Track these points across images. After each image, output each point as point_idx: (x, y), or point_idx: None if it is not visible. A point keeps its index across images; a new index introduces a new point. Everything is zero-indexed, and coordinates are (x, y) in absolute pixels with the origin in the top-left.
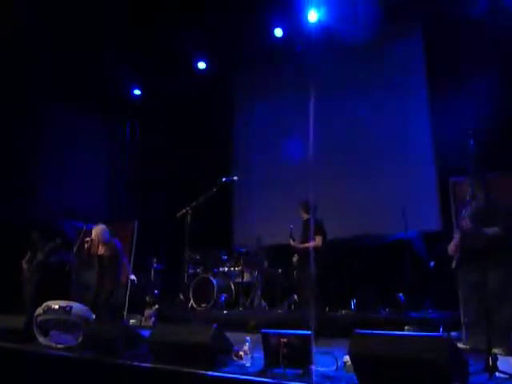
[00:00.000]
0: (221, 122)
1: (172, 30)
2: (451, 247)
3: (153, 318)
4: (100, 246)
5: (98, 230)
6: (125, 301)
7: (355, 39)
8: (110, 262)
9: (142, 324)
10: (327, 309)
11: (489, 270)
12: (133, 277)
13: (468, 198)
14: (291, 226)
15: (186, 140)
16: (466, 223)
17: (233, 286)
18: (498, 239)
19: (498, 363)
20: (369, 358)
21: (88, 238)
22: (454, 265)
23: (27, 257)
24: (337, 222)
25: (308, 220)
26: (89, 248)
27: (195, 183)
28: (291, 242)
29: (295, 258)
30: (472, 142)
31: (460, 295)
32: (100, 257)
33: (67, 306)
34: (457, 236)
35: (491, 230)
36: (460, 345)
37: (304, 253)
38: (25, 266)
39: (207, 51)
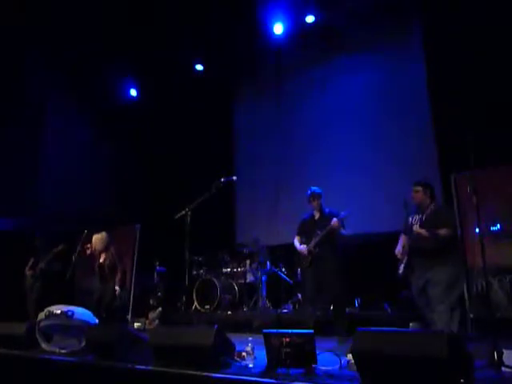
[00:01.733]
0: (221, 124)
1: (170, 33)
2: (399, 250)
3: (157, 321)
4: (100, 254)
5: (97, 239)
6: (128, 304)
7: (354, 38)
8: (110, 269)
9: (147, 327)
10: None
11: (436, 269)
12: (116, 287)
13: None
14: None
15: (187, 142)
16: (417, 227)
17: (236, 287)
18: (448, 239)
19: (504, 358)
20: (372, 356)
21: (89, 245)
22: (401, 269)
23: (30, 263)
24: None
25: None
26: (90, 254)
27: (198, 185)
28: (335, 220)
29: (310, 249)
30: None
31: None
32: (101, 264)
33: (69, 311)
34: (402, 239)
35: (443, 231)
36: None
37: (329, 244)
38: (28, 272)
39: (205, 53)
